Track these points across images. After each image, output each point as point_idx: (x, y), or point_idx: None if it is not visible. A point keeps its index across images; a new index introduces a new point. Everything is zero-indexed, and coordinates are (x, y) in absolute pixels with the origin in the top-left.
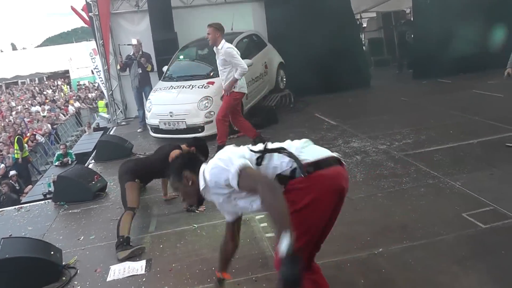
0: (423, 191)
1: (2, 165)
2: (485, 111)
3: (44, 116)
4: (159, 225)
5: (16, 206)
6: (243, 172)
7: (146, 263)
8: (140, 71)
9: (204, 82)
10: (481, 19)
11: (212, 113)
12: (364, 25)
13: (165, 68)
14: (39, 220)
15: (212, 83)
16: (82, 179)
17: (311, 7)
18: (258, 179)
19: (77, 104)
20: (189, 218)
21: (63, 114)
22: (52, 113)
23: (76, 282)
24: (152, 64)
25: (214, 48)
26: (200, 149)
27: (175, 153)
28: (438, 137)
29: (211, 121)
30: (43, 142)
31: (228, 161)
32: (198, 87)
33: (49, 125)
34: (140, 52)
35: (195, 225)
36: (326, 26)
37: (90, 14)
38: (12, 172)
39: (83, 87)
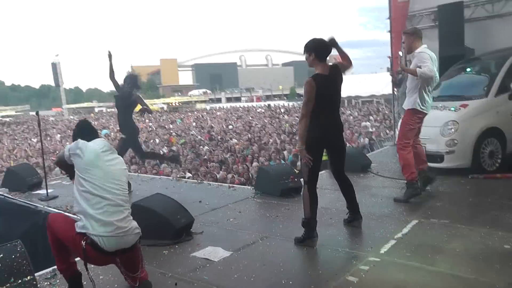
0: None
1: None
2: None
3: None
4: None
5: (230, 185)
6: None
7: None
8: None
9: (457, 103)
10: None
11: (455, 141)
12: None
13: None
14: (223, 197)
15: (465, 106)
16: (278, 176)
17: None
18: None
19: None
20: None
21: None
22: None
23: (177, 246)
24: None
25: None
26: None
27: None
28: None
29: (453, 151)
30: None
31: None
32: (449, 109)
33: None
34: None
35: None
36: None
37: (387, 31)
38: None
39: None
